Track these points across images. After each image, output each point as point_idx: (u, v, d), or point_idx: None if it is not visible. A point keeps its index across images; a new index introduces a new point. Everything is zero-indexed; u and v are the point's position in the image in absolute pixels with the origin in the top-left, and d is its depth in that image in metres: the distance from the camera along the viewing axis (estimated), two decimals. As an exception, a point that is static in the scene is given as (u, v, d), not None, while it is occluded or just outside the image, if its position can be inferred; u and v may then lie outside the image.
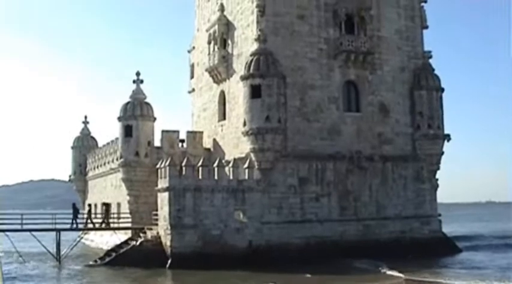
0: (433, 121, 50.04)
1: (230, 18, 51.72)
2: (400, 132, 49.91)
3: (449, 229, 58.01)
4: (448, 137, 50.48)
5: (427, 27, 52.45)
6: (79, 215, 50.82)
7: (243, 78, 45.01)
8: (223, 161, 45.12)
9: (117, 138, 54.73)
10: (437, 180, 50.89)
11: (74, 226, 49.38)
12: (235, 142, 48.94)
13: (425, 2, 52.72)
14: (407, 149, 49.92)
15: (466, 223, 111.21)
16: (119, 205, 56.69)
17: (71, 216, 49.43)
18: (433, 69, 51.22)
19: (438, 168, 50.76)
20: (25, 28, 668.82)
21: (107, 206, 53.96)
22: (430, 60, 51.53)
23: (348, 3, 48.47)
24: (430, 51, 51.72)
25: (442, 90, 51.02)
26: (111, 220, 52.99)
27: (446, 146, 50.64)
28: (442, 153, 50.55)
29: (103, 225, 52.64)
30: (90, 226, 51.97)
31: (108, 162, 59.66)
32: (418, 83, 50.42)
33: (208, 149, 54.23)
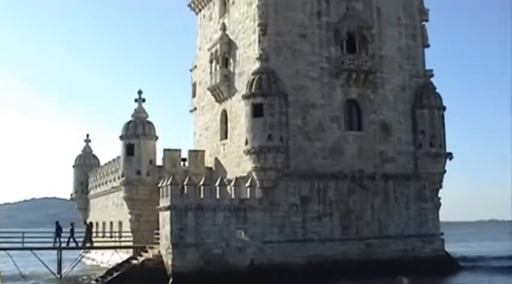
0: (434, 139, 50.01)
1: (232, 37, 51.88)
2: (402, 150, 49.85)
3: (452, 248, 57.70)
4: (450, 155, 50.44)
5: (428, 46, 52.58)
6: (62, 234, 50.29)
7: (245, 97, 45.08)
8: (225, 180, 45.10)
9: (118, 157, 54.72)
10: (439, 198, 50.74)
11: (57, 244, 48.84)
12: (237, 161, 48.91)
13: (427, 20, 52.92)
14: (409, 168, 49.83)
15: (469, 242, 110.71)
16: (120, 223, 56.62)
17: (54, 234, 49.06)
18: (435, 88, 51.26)
19: (440, 187, 50.67)
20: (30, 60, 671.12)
21: (88, 226, 52.97)
22: (432, 79, 51.61)
23: (349, 22, 48.64)
24: (431, 70, 51.81)
25: (444, 108, 51.03)
26: (94, 239, 52.47)
27: (448, 164, 50.66)
28: (444, 172, 50.48)
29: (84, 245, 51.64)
30: (73, 244, 50.86)
31: (110, 181, 59.64)
32: (419, 102, 50.44)
33: (210, 168, 54.16)
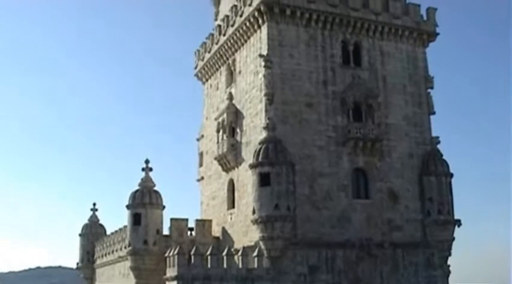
0: (443, 206, 49.69)
1: (239, 106, 52.28)
2: (410, 218, 49.55)
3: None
4: (458, 222, 50.04)
5: (434, 113, 52.88)
6: None
7: (252, 166, 45.11)
8: (232, 249, 44.87)
9: (125, 226, 54.45)
10: (449, 266, 50.15)
11: None
12: (244, 231, 48.64)
13: (432, 88, 53.33)
14: (417, 235, 49.47)
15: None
16: (127, 293, 56.09)
17: None
18: (442, 155, 51.30)
19: (450, 254, 50.10)
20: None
21: None
22: (438, 146, 51.69)
23: (355, 91, 49.06)
24: (438, 137, 51.92)
25: (451, 175, 50.89)
26: None
27: (457, 230, 50.24)
28: (453, 239, 50.01)
29: None
30: None
31: (117, 250, 59.26)
32: (426, 169, 50.38)
33: (217, 237, 53.83)
